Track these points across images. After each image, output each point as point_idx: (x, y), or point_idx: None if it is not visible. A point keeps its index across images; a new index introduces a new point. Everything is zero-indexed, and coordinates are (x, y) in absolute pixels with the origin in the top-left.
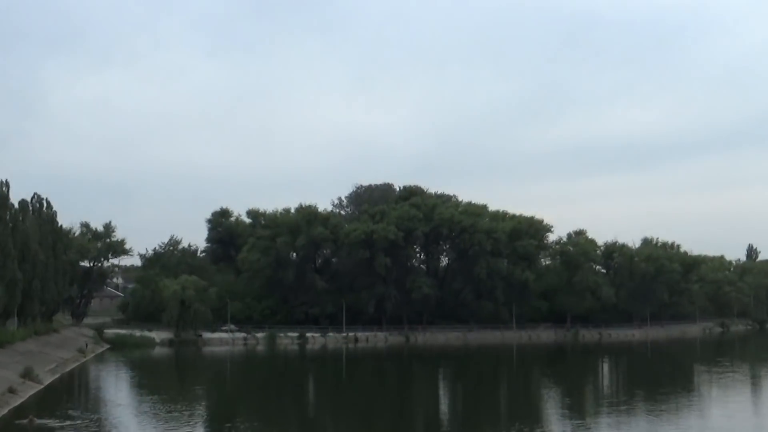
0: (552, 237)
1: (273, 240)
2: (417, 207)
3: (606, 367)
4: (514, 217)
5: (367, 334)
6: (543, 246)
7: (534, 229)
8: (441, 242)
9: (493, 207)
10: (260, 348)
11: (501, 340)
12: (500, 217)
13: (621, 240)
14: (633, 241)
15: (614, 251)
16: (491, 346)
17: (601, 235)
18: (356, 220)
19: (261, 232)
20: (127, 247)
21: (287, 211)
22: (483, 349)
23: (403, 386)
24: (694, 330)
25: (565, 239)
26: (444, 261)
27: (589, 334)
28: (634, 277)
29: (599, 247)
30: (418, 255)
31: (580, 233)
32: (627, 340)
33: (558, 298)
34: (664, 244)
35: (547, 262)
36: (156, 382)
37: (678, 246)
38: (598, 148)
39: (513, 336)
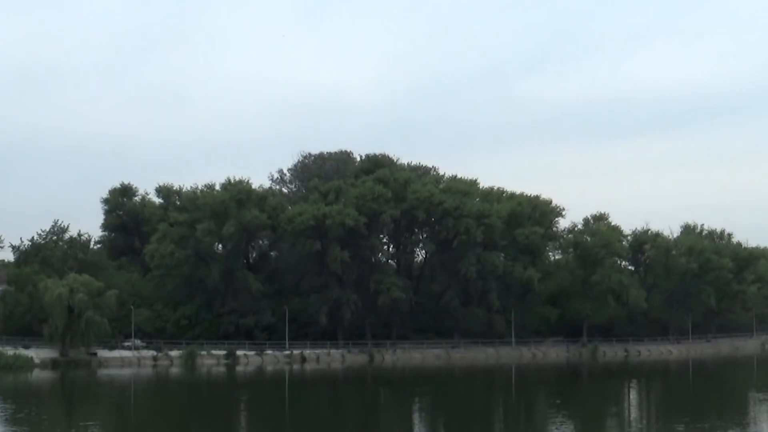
0: (563, 223)
1: (192, 227)
2: (384, 183)
3: (634, 395)
4: (513, 196)
5: (317, 352)
6: (551, 235)
7: (539, 212)
8: (416, 230)
9: (485, 183)
10: (175, 370)
11: (496, 359)
12: (494, 196)
13: (654, 227)
14: (670, 228)
15: (645, 242)
16: (482, 367)
17: (628, 220)
18: (303, 200)
19: (176, 216)
20: None
21: (210, 188)
22: (472, 371)
23: (365, 423)
24: (750, 345)
25: (580, 226)
26: (420, 255)
27: (611, 351)
28: (672, 277)
29: (625, 236)
30: (385, 247)
31: (600, 218)
32: (662, 358)
33: (571, 304)
34: (711, 234)
35: (557, 257)
36: (29, 420)
37: (729, 236)
38: (621, 105)
39: (512, 354)
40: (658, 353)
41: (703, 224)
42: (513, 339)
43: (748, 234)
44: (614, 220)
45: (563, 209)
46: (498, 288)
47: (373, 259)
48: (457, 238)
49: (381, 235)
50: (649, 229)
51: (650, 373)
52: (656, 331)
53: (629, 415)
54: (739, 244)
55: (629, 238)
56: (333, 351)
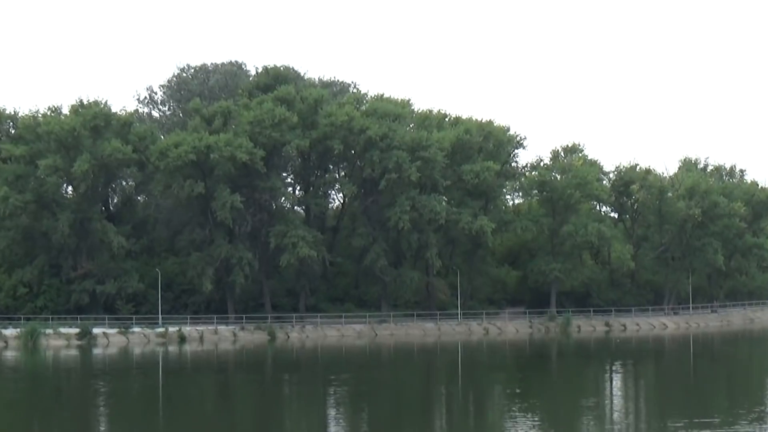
0: (525, 157)
1: (32, 163)
2: (288, 104)
3: (617, 382)
4: (458, 122)
5: (200, 329)
6: (509, 173)
7: (493, 142)
8: (331, 167)
9: (421, 105)
10: (11, 355)
11: (436, 337)
12: (434, 122)
13: (644, 164)
14: (665, 165)
15: (633, 181)
16: (419, 347)
17: (610, 157)
18: (180, 127)
19: (9, 149)
20: None
21: (56, 112)
22: (404, 352)
23: (263, 423)
24: None
25: (547, 161)
26: (336, 200)
27: (588, 325)
28: (667, 227)
29: (607, 174)
30: (290, 190)
31: (573, 150)
32: (654, 334)
33: (536, 263)
34: (719, 170)
35: (517, 201)
36: None
37: (742, 173)
38: None
39: (457, 330)
40: (648, 327)
41: (707, 158)
42: (459, 310)
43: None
44: (592, 154)
45: (524, 139)
46: (439, 243)
47: (274, 206)
48: (385, 177)
49: (284, 174)
50: (637, 165)
51: (639, 354)
52: (646, 298)
53: (610, 410)
54: (754, 184)
55: (611, 176)
56: (221, 328)
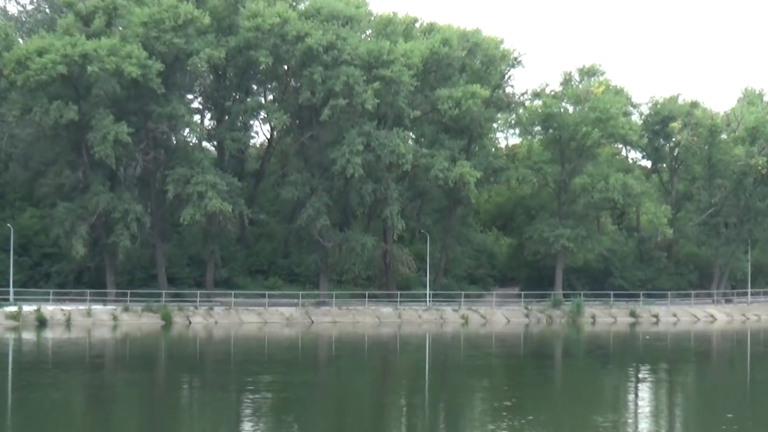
0: (525, 81)
1: None
2: None
3: (644, 394)
4: (433, 30)
5: (68, 309)
6: (503, 101)
7: (481, 59)
8: (255, 87)
9: (380, 7)
10: None
11: (396, 327)
12: (400, 28)
13: (688, 95)
14: (717, 98)
15: (672, 117)
16: (372, 339)
17: (640, 87)
18: (46, 28)
19: None
20: None
21: None
22: (350, 345)
23: None
24: None
25: (555, 87)
26: (262, 134)
27: (606, 315)
28: (720, 182)
29: (637, 107)
30: (198, 119)
31: (591, 72)
32: (697, 328)
33: (536, 227)
34: None
35: (513, 140)
36: None
37: None
38: None
39: (426, 317)
40: (690, 319)
41: None
42: (428, 290)
43: None
44: (618, 81)
45: (522, 55)
46: (403, 197)
47: (174, 140)
48: (329, 103)
49: (189, 96)
50: (679, 95)
51: (676, 356)
52: (688, 280)
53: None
54: None
55: (644, 110)
56: (97, 308)
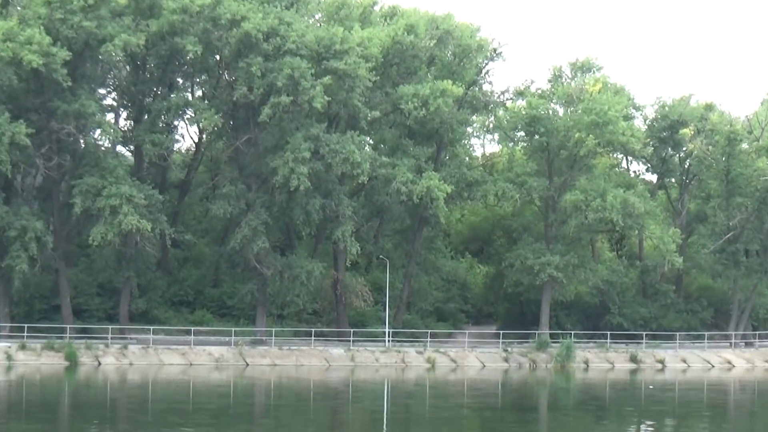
0: (506, 78)
1: None
2: None
3: None
4: (396, 14)
5: None
6: (480, 101)
7: (454, 49)
8: (180, 81)
9: None
10: None
11: (348, 370)
12: (356, 12)
13: (702, 97)
14: (732, 103)
15: (683, 122)
16: (319, 386)
17: (644, 89)
18: None
19: None
20: None
21: None
22: (291, 393)
23: None
24: None
25: (544, 85)
26: (188, 137)
27: (601, 359)
28: (740, 201)
29: (641, 109)
30: (111, 119)
31: (586, 68)
32: (712, 376)
33: (518, 254)
34: None
35: (492, 148)
36: None
37: None
38: None
39: (383, 359)
40: (702, 366)
41: None
42: (387, 329)
43: None
44: (617, 79)
45: (501, 47)
46: (359, 216)
47: (83, 144)
48: (270, 101)
49: (102, 92)
50: (691, 96)
51: (686, 411)
52: (701, 318)
53: None
54: None
55: (649, 113)
56: None
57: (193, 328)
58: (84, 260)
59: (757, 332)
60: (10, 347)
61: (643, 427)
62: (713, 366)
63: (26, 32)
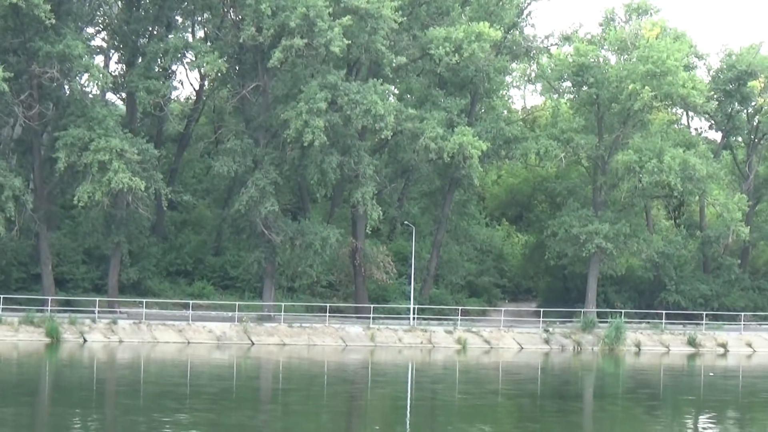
0: (550, 22)
1: None
2: None
3: None
4: None
5: None
6: (520, 47)
7: None
8: (179, 19)
9: None
10: None
11: (367, 350)
12: None
13: None
14: None
15: (752, 72)
16: (333, 368)
17: (708, 36)
18: None
19: None
20: None
21: None
22: (303, 376)
23: None
24: None
25: (594, 30)
26: (188, 84)
27: (657, 341)
28: None
29: (703, 58)
30: (101, 62)
31: (641, 10)
32: None
33: (562, 221)
34: None
35: (533, 101)
36: None
37: None
38: None
39: (407, 339)
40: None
41: None
42: (412, 304)
43: None
44: (678, 24)
45: None
46: (381, 175)
47: (68, 89)
48: (281, 43)
49: (88, 31)
50: (762, 44)
51: (751, 401)
52: None
53: None
54: None
55: (713, 63)
56: None
57: (191, 302)
58: (68, 223)
59: None
60: None
61: (702, 418)
62: None
63: None
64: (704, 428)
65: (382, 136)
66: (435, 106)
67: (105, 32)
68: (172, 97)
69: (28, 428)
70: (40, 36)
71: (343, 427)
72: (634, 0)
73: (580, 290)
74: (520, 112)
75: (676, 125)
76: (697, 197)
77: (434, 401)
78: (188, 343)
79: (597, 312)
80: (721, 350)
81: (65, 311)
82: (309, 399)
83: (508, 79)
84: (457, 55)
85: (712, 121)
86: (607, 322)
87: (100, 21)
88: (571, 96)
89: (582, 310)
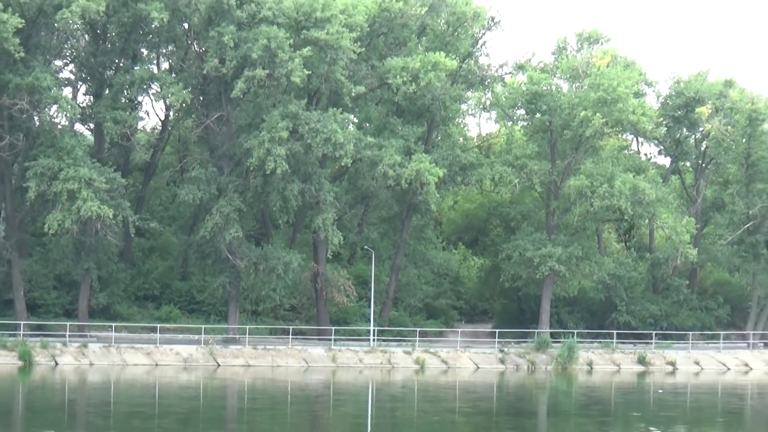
0: (504, 51)
1: None
2: None
3: None
4: None
5: None
6: (475, 76)
7: (449, 19)
8: (144, 52)
9: None
10: None
11: (329, 372)
12: None
13: (717, 73)
14: (753, 79)
15: (700, 99)
16: (296, 389)
17: (656, 64)
18: None
19: None
20: None
21: None
22: (265, 397)
23: None
24: None
25: (547, 59)
26: (154, 115)
27: (609, 360)
28: (762, 188)
29: (653, 85)
30: (69, 93)
31: (593, 40)
32: (728, 379)
33: (517, 245)
34: None
35: (488, 128)
36: None
37: None
38: None
39: (367, 360)
40: (717, 368)
41: None
42: (372, 326)
43: None
44: (628, 52)
45: (500, 16)
46: (341, 202)
47: (37, 121)
48: (244, 74)
49: (58, 63)
50: (709, 71)
51: (699, 416)
52: (716, 316)
53: None
54: None
55: (662, 90)
56: None
57: (159, 325)
58: (39, 250)
59: None
60: None
61: None
62: (729, 369)
63: None
64: None
65: (342, 164)
66: (393, 134)
67: (73, 64)
68: (139, 127)
69: None
70: (9, 68)
71: None
72: (585, 29)
73: (534, 311)
74: (475, 139)
75: (626, 151)
76: (647, 220)
77: (394, 419)
78: (156, 365)
79: (550, 332)
80: (670, 368)
81: (37, 335)
82: (274, 418)
83: (463, 107)
84: (414, 84)
85: (662, 147)
86: (560, 341)
87: (67, 54)
88: (525, 123)
89: (536, 330)
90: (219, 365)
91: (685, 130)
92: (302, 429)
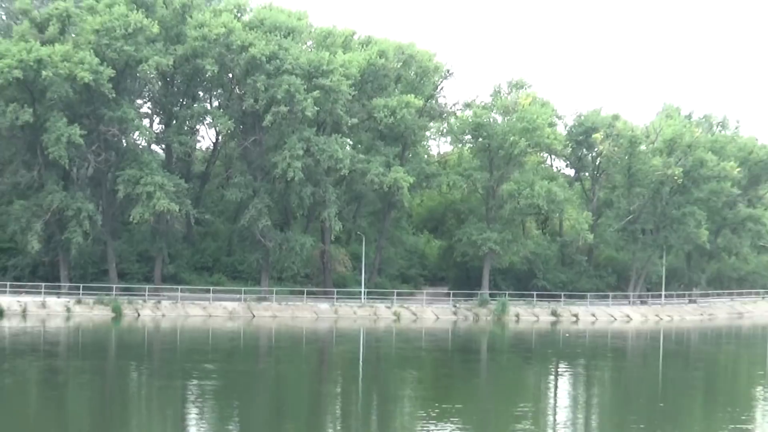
0: (457, 93)
1: None
2: (147, 8)
3: (562, 387)
4: (370, 42)
5: (24, 300)
6: (436, 111)
7: (416, 70)
8: (201, 93)
9: (320, 21)
10: None
11: (332, 321)
12: (339, 40)
13: (607, 109)
14: (638, 113)
15: (595, 128)
16: (309, 333)
17: (566, 103)
18: (2, 34)
19: None
20: None
21: None
22: (288, 337)
23: (101, 423)
24: (762, 310)
25: (486, 99)
26: (207, 139)
27: (529, 314)
28: (638, 190)
29: (562, 118)
30: (147, 123)
31: (519, 86)
32: (614, 327)
33: (465, 230)
34: (707, 120)
35: (445, 148)
36: None
37: (737, 125)
38: None
39: (359, 313)
40: (607, 319)
41: (691, 111)
42: (363, 288)
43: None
44: (545, 96)
45: (453, 69)
46: (340, 200)
47: (125, 143)
48: (271, 110)
49: (139, 102)
50: (601, 108)
51: (593, 353)
52: (607, 282)
53: (553, 421)
54: (752, 140)
55: (568, 122)
56: (51, 300)
57: (211, 288)
58: (126, 234)
59: (650, 293)
60: (69, 302)
61: (561, 364)
62: (616, 319)
63: (79, 54)
64: (562, 371)
65: (342, 174)
66: (377, 152)
67: (150, 102)
68: (197, 147)
69: (102, 372)
70: (104, 105)
71: (317, 370)
72: (513, 78)
73: (477, 278)
74: (435, 156)
75: (543, 165)
76: (558, 214)
77: (378, 354)
78: (209, 316)
79: (489, 293)
80: (574, 319)
81: (125, 295)
82: (293, 354)
83: (427, 133)
84: (392, 117)
85: (568, 162)
86: (496, 300)
87: (146, 95)
88: (471, 145)
89: (479, 292)
90: (254, 316)
91: (584, 150)
92: (314, 361)
